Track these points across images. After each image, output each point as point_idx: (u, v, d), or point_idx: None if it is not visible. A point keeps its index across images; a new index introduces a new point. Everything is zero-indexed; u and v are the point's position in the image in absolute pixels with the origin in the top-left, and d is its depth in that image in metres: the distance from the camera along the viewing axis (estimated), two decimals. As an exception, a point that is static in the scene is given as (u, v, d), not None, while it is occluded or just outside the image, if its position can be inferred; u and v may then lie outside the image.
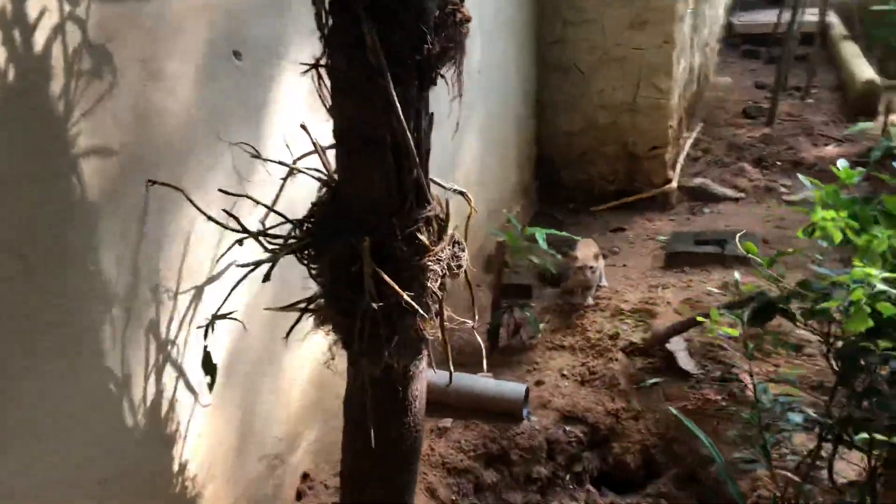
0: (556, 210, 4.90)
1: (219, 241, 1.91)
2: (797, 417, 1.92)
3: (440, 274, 1.68)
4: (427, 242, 1.63)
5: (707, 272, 3.89)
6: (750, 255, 1.96)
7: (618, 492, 2.80)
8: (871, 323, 1.66)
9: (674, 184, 4.85)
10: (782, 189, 5.01)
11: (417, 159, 1.59)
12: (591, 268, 3.33)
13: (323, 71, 1.59)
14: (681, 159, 5.17)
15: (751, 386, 2.78)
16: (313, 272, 1.71)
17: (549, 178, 5.01)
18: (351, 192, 1.65)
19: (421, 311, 1.60)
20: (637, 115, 4.79)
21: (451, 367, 1.84)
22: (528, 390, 2.80)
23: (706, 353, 3.00)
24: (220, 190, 1.85)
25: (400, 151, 1.57)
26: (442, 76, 1.67)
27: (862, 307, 1.67)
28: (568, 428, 2.78)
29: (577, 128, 4.91)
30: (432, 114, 1.68)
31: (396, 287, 1.55)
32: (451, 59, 1.77)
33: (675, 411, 2.43)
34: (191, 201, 1.74)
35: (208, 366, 1.84)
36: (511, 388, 2.79)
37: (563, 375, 3.04)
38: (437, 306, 1.70)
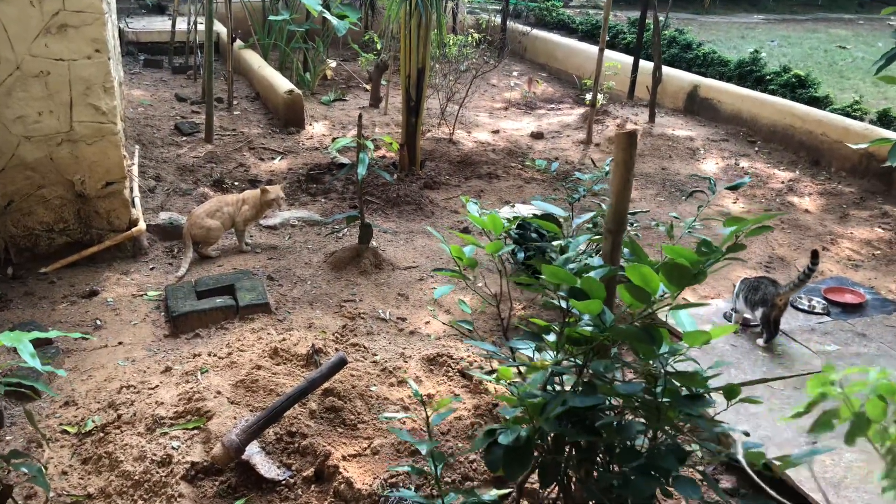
0: (-10, 282, 3.56)
1: None
2: None
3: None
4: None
5: (225, 331, 3.25)
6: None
7: None
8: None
9: (141, 224, 3.99)
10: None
11: None
12: None
13: None
14: (136, 192, 4.32)
15: (350, 472, 2.32)
16: None
17: (-33, 242, 3.61)
18: None
19: None
20: (79, 145, 3.76)
21: None
22: None
23: (286, 447, 2.39)
24: None
25: None
26: None
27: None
28: None
29: (-7, 168, 3.62)
30: None
31: None
32: None
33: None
34: None
35: None
36: None
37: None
38: None
